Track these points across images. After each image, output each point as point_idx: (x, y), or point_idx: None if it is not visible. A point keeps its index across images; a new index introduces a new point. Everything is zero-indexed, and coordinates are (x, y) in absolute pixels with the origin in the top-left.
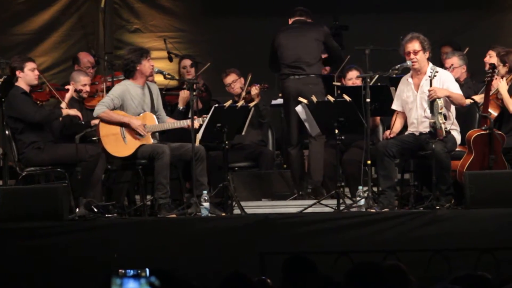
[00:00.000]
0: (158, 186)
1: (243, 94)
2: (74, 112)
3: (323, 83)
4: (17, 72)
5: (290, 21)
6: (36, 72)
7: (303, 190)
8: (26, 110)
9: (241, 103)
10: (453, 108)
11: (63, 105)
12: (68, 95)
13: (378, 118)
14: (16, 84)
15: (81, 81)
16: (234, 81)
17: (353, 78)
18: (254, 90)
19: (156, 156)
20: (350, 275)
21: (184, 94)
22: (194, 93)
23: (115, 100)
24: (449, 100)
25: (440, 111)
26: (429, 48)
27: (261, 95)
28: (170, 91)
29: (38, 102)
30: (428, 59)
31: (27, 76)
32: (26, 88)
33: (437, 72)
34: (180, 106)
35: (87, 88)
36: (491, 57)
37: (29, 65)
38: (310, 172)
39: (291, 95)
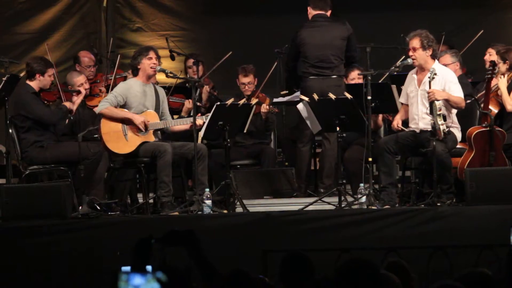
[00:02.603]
0: (161, 185)
1: (254, 99)
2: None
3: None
4: (37, 75)
5: (311, 15)
6: (52, 78)
7: (311, 190)
8: (41, 113)
9: (250, 101)
10: None
11: (68, 104)
12: (78, 101)
13: (380, 119)
14: (28, 82)
15: (76, 83)
16: (250, 83)
17: (355, 78)
18: (265, 109)
19: (159, 155)
20: (340, 273)
21: (189, 104)
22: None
23: (119, 98)
24: (448, 102)
25: (438, 113)
26: (431, 46)
27: (268, 114)
28: (174, 94)
29: (45, 102)
30: (433, 57)
31: (45, 80)
32: (37, 89)
33: (435, 74)
34: (184, 115)
35: (86, 86)
36: (491, 55)
37: (50, 71)
38: (322, 176)
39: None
